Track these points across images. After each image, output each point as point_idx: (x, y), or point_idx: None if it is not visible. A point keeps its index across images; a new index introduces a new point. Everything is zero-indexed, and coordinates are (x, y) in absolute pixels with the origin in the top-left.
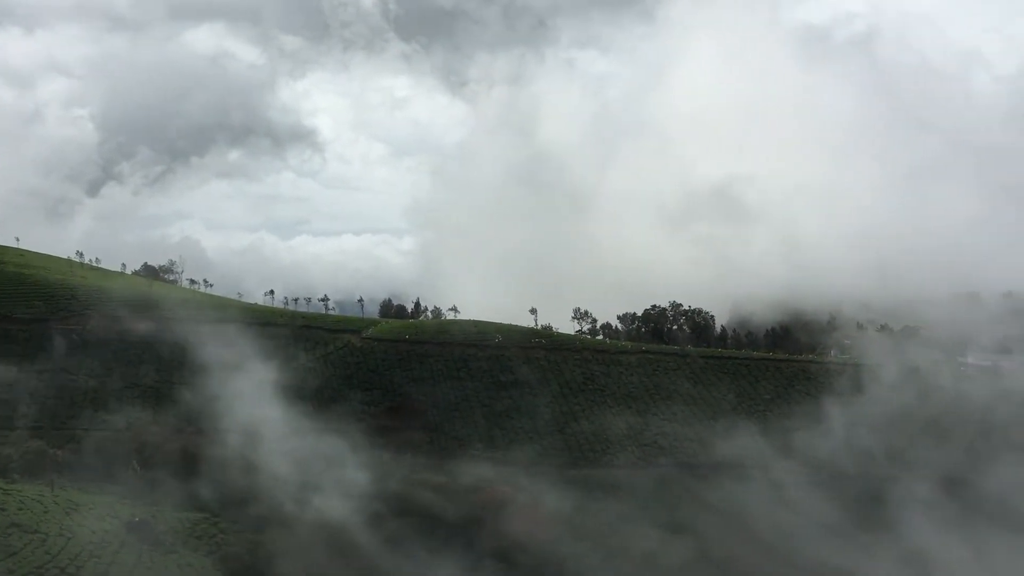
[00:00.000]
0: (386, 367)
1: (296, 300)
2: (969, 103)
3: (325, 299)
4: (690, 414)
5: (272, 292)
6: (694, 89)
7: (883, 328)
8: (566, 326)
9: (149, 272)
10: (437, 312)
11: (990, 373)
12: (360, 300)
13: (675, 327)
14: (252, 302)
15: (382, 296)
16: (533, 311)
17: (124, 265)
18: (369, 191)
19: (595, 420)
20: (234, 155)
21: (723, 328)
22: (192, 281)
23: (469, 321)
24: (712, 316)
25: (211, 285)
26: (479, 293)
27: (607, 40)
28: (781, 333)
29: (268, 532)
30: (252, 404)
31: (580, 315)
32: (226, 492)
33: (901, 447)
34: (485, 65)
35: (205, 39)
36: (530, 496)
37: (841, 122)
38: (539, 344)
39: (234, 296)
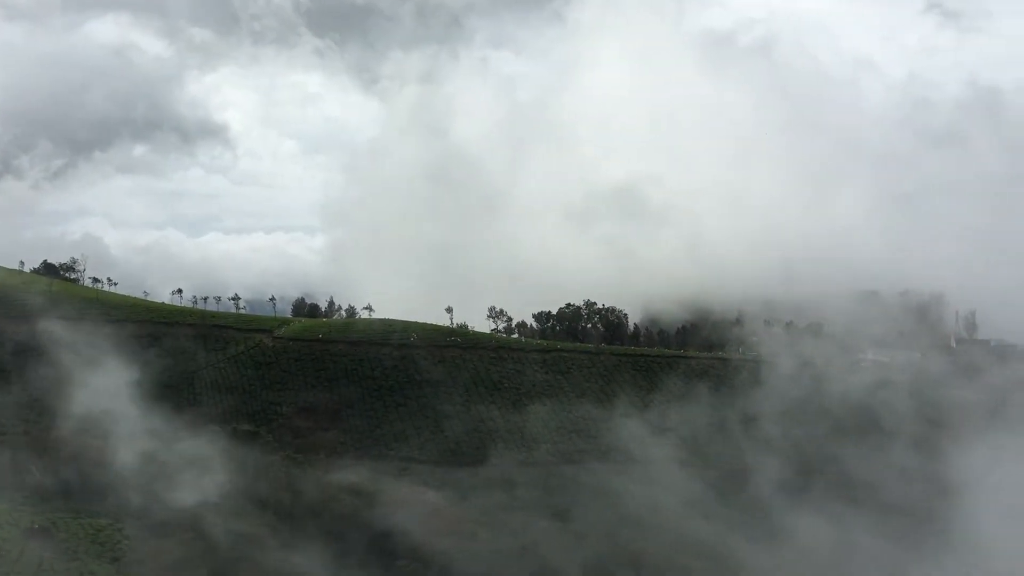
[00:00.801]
0: (299, 367)
1: (205, 299)
2: (864, 108)
3: (236, 298)
4: (591, 409)
5: (180, 291)
6: (603, 91)
7: (788, 325)
8: (481, 324)
9: (49, 270)
10: (351, 311)
11: (885, 368)
12: (272, 299)
13: (589, 325)
14: (159, 301)
15: (295, 295)
16: (448, 310)
17: (23, 263)
18: (281, 188)
19: (508, 418)
20: (139, 150)
21: (636, 326)
22: (95, 280)
23: (384, 320)
24: (625, 314)
25: (115, 284)
26: (394, 292)
27: (521, 41)
28: (691, 330)
29: (171, 536)
30: (149, 409)
31: (495, 314)
32: (122, 496)
33: (784, 436)
34: (398, 62)
35: (109, 30)
36: (411, 492)
37: (744, 125)
38: (454, 343)
39: (139, 295)
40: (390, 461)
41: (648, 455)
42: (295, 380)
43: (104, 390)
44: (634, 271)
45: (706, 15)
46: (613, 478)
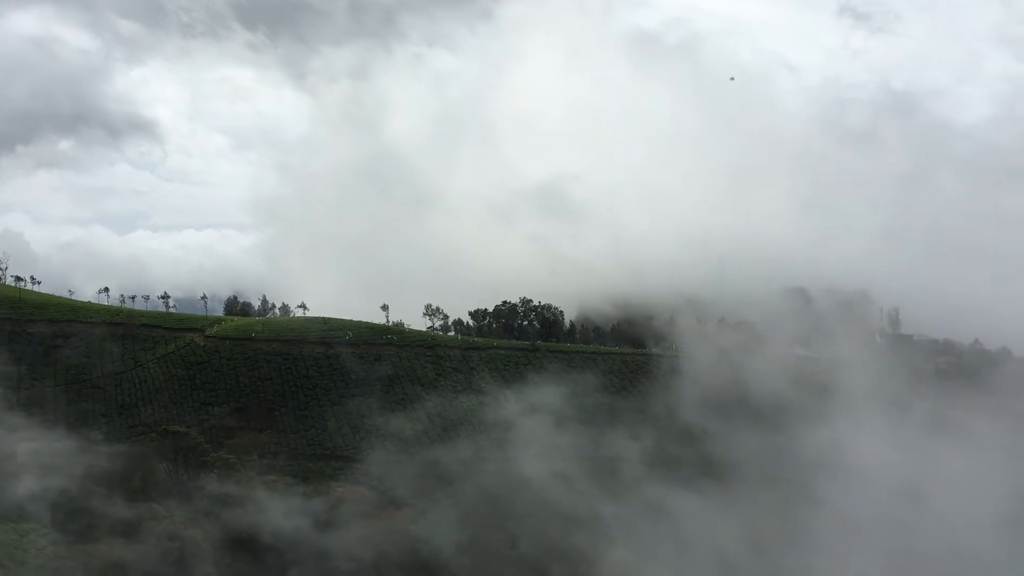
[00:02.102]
0: (231, 367)
1: (133, 298)
2: (785, 108)
3: (165, 297)
4: (501, 403)
5: (107, 290)
6: (533, 89)
7: (720, 322)
8: (418, 322)
9: None
10: (285, 309)
11: (807, 362)
12: (203, 297)
13: (525, 323)
14: (85, 300)
15: (227, 293)
16: (384, 308)
17: None
18: (212, 185)
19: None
20: (64, 145)
21: (572, 323)
22: (18, 278)
23: (319, 318)
24: (561, 312)
25: (39, 283)
26: (328, 290)
27: (455, 38)
28: (627, 328)
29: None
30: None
31: (431, 311)
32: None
33: (678, 423)
34: (332, 59)
35: (31, 22)
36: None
37: (670, 123)
38: (390, 341)
39: (64, 294)
40: (323, 460)
41: (555, 443)
42: (227, 380)
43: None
44: (569, 269)
45: (633, 14)
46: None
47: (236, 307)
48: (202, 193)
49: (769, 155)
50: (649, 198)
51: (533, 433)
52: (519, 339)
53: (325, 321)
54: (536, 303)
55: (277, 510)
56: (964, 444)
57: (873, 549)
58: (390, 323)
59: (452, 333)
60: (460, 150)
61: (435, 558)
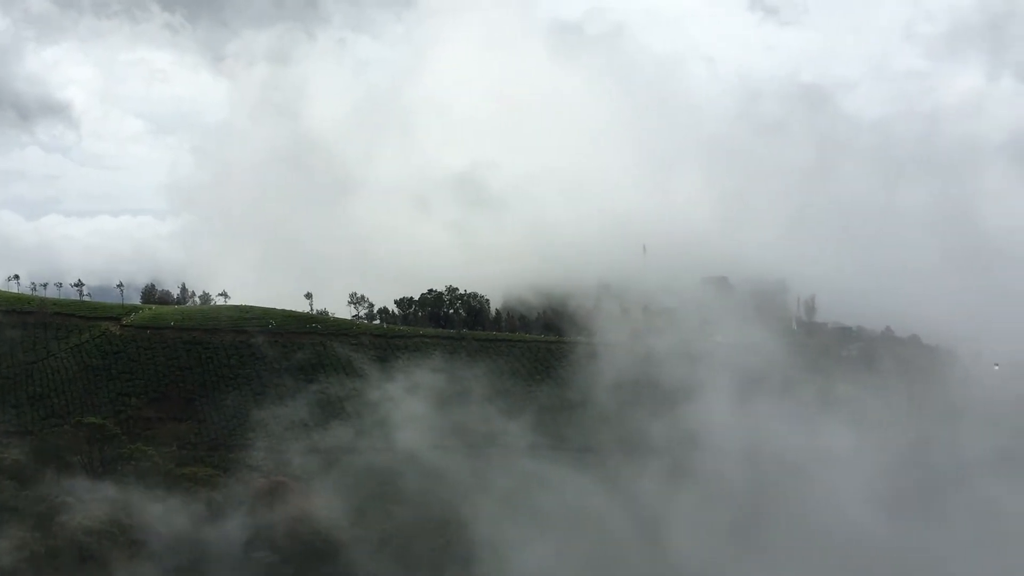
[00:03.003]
0: (149, 356)
1: (45, 285)
2: (704, 99)
3: (79, 284)
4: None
5: (16, 276)
6: (458, 77)
7: (644, 310)
8: (343, 311)
9: None
10: (206, 297)
11: (723, 348)
12: (120, 285)
13: (451, 311)
14: None
15: (144, 281)
16: (308, 296)
17: None
18: (127, 169)
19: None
20: None
21: (498, 312)
22: None
23: (240, 307)
24: (487, 300)
25: None
26: (250, 278)
27: (380, 24)
28: (552, 316)
29: None
30: None
31: (356, 300)
32: None
33: (591, 407)
34: (252, 42)
35: None
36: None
37: (593, 113)
38: (314, 330)
39: None
40: (247, 451)
41: (459, 427)
42: (145, 370)
43: None
44: (493, 257)
45: (555, 4)
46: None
47: (154, 295)
48: (117, 178)
49: (688, 145)
50: (571, 187)
51: (441, 418)
52: (445, 327)
53: (247, 310)
54: (462, 291)
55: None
56: (854, 424)
57: (746, 520)
58: (314, 311)
59: (377, 322)
60: (383, 137)
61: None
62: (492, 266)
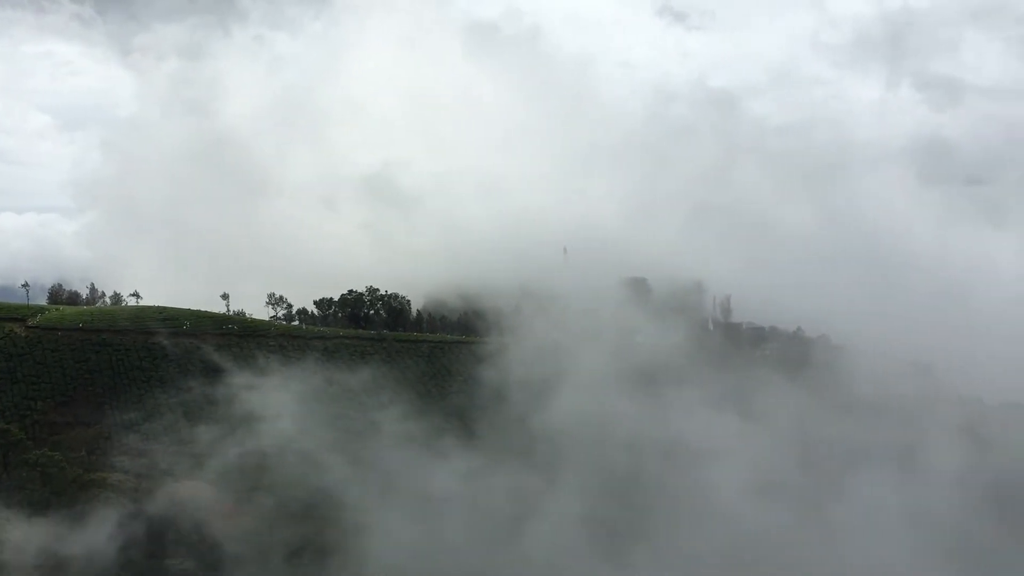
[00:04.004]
0: (56, 359)
1: None
2: (621, 103)
3: None
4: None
5: None
6: (376, 76)
7: (564, 311)
8: (260, 312)
9: None
10: (116, 298)
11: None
12: (25, 285)
13: (372, 312)
14: None
15: (50, 281)
16: (225, 296)
17: None
18: (33, 165)
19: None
20: None
21: (419, 313)
22: None
23: (153, 307)
24: (408, 301)
25: None
26: (163, 278)
27: (298, 21)
28: (473, 317)
29: None
30: None
31: (274, 300)
32: None
33: (492, 405)
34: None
35: None
36: None
37: (512, 114)
38: (230, 331)
39: None
40: (158, 455)
41: (360, 425)
42: (52, 373)
43: None
44: (416, 258)
45: (472, 4)
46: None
47: (61, 296)
48: (22, 174)
49: (603, 147)
50: (489, 187)
51: (346, 418)
52: (365, 329)
53: (159, 311)
54: (383, 292)
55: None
56: (751, 419)
57: (624, 509)
58: (230, 312)
59: (296, 323)
60: (299, 135)
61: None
62: (414, 267)
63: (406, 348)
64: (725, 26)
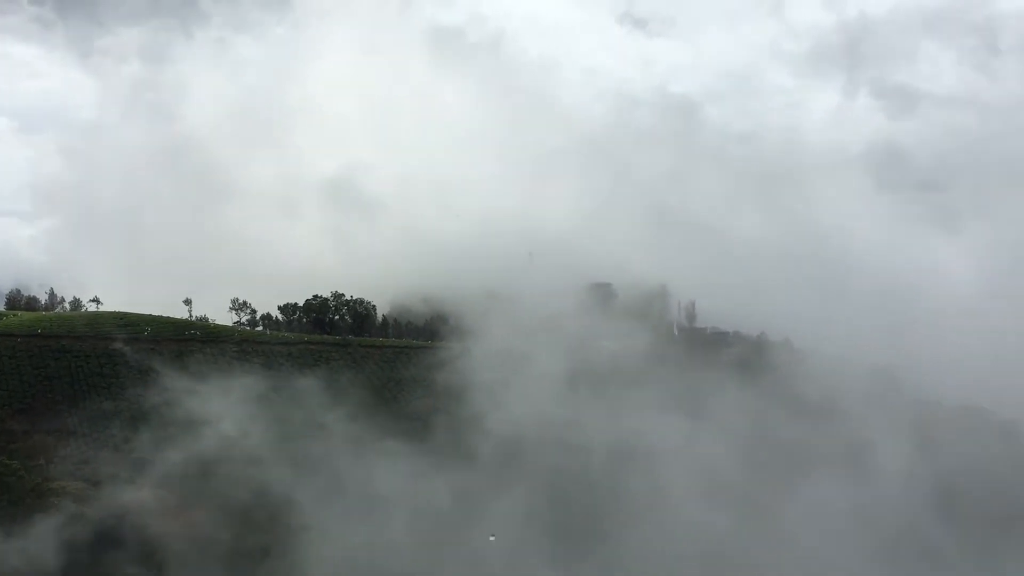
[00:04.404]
0: (14, 365)
1: None
2: (585, 109)
3: None
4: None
5: None
6: (341, 80)
7: (530, 316)
8: (224, 317)
9: None
10: (76, 303)
11: (602, 353)
12: None
13: (337, 317)
14: None
15: (9, 286)
16: (187, 302)
17: None
18: None
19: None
20: None
21: (384, 318)
22: None
23: (114, 313)
24: (374, 306)
25: None
26: (124, 283)
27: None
28: (438, 321)
29: None
30: None
31: (238, 306)
32: None
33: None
34: (127, 39)
35: None
36: None
37: (476, 121)
38: (193, 336)
39: None
40: (119, 462)
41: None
42: (9, 379)
43: None
44: (381, 263)
45: (436, 10)
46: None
47: (19, 301)
48: None
49: (566, 152)
50: (455, 193)
51: (306, 423)
52: (331, 334)
53: (120, 316)
54: (348, 297)
55: None
56: (708, 422)
57: (575, 508)
58: (193, 318)
59: (260, 328)
60: (262, 140)
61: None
62: (378, 272)
63: (370, 353)
64: (686, 33)
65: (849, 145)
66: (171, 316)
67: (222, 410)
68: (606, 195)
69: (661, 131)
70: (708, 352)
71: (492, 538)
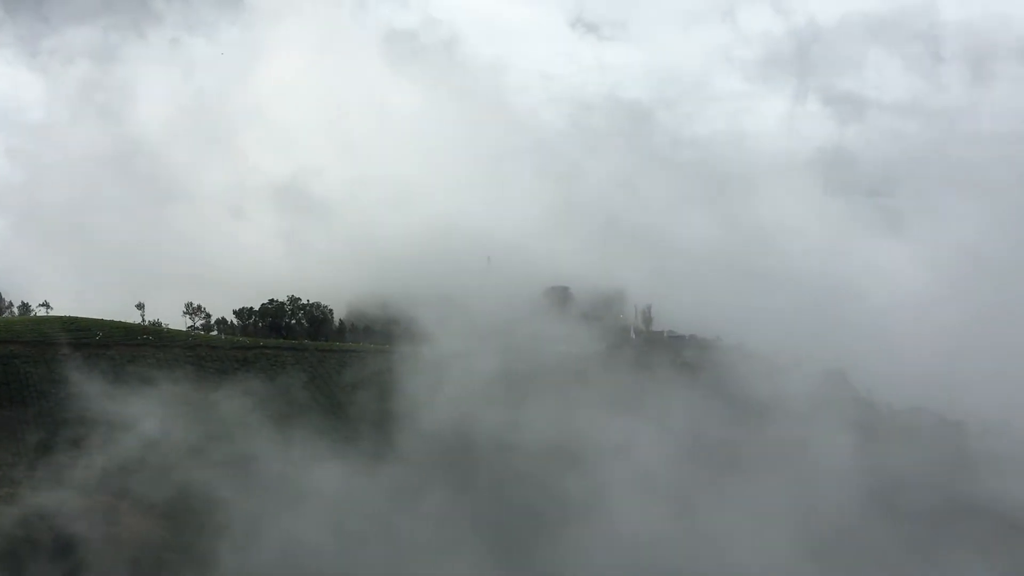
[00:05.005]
0: None
1: None
2: (540, 113)
3: None
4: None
5: None
6: (293, 82)
7: (487, 320)
8: (178, 322)
9: None
10: (25, 308)
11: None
12: None
13: (293, 321)
14: None
15: None
16: (140, 306)
17: None
18: None
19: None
20: None
21: (342, 322)
22: None
23: (64, 318)
24: (331, 310)
25: None
26: (74, 287)
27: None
28: (395, 326)
29: None
30: None
31: (192, 310)
32: None
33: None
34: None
35: None
36: None
37: (432, 123)
38: (146, 341)
39: None
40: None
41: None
42: None
43: None
44: (337, 267)
45: (391, 12)
46: None
47: None
48: None
49: (520, 157)
50: (411, 196)
51: (247, 429)
52: (287, 338)
53: (70, 321)
54: (305, 301)
55: None
56: (650, 423)
57: (510, 508)
58: (146, 322)
59: (215, 332)
60: (215, 142)
61: None
62: (335, 276)
63: (325, 357)
64: (638, 39)
65: (799, 150)
66: (123, 320)
67: (161, 413)
68: (561, 199)
69: (615, 136)
70: (663, 355)
71: None
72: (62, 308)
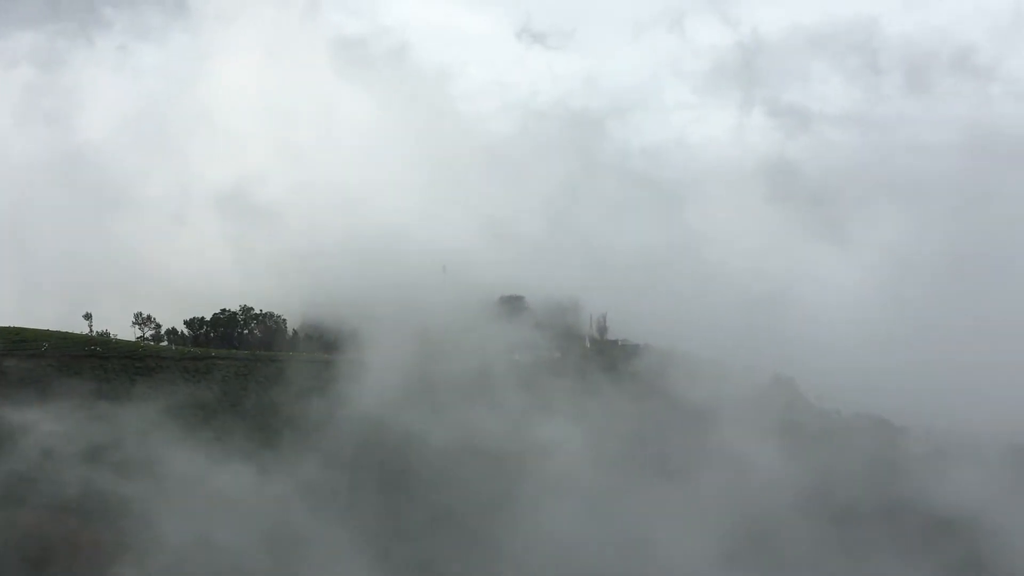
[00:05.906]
0: None
1: None
2: (486, 122)
3: None
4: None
5: None
6: (241, 88)
7: (441, 329)
8: (127, 332)
9: None
10: None
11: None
12: None
13: (246, 332)
14: None
15: None
16: (87, 316)
17: None
18: None
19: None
20: None
21: (295, 332)
22: None
23: (7, 328)
24: (284, 320)
25: None
26: (14, 298)
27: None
28: (348, 336)
29: None
30: None
31: (141, 320)
32: None
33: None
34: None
35: None
36: None
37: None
38: (93, 352)
39: None
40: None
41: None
42: None
43: None
44: (291, 277)
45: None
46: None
47: None
48: None
49: (469, 165)
50: (363, 206)
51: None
52: (239, 348)
53: (16, 332)
54: (258, 311)
55: None
56: (590, 429)
57: (435, 514)
58: (94, 333)
59: (165, 343)
60: (162, 149)
61: None
62: (288, 286)
63: (276, 367)
64: (585, 49)
65: (745, 161)
66: (70, 331)
67: (87, 424)
68: (513, 208)
69: (564, 145)
70: (616, 364)
71: None
72: (6, 319)
